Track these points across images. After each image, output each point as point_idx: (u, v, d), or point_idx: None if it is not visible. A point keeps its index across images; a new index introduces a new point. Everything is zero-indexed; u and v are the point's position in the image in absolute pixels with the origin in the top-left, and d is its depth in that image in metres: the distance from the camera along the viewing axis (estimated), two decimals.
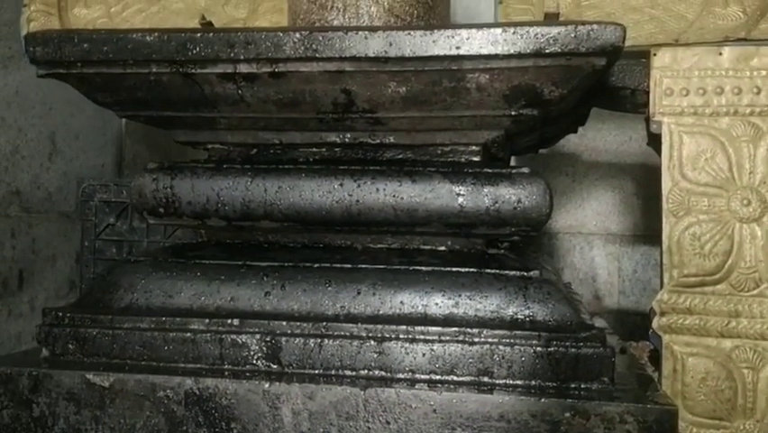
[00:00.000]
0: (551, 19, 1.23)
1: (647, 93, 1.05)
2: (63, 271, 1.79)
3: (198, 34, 0.90)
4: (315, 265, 0.94)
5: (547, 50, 0.84)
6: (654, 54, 1.04)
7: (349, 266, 0.94)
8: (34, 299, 1.71)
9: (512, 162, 1.46)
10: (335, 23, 1.07)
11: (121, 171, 2.06)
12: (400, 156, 1.02)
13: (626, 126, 1.86)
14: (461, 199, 0.93)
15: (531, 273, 0.91)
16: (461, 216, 0.93)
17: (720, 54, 1.02)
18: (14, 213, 1.65)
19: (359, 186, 0.95)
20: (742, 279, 1.00)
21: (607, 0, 1.33)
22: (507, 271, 0.91)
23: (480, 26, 0.86)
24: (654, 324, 1.02)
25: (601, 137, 1.90)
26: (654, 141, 1.06)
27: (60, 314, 0.92)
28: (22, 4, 1.51)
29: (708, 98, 1.02)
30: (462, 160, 1.00)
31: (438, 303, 0.89)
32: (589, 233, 1.94)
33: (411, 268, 0.93)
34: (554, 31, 0.84)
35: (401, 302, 0.90)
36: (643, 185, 1.87)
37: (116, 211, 1.72)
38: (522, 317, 0.87)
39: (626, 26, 1.29)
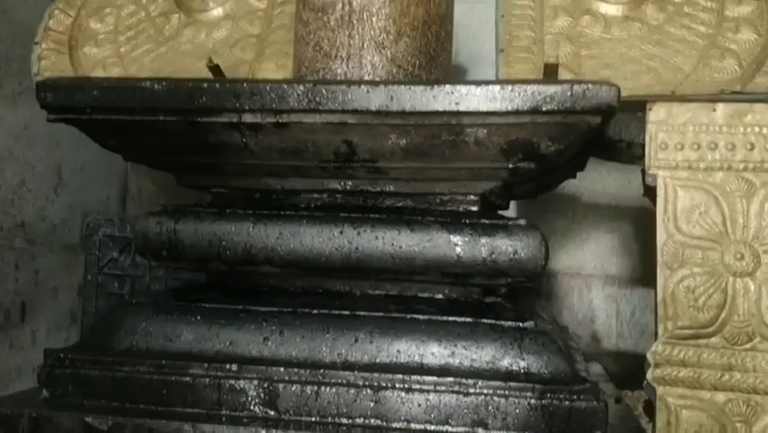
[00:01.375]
0: (550, 70, 1.25)
1: (643, 146, 1.07)
2: (65, 303, 1.81)
3: (205, 85, 0.93)
4: (314, 312, 0.96)
5: (544, 108, 0.86)
6: (650, 109, 1.06)
7: (347, 313, 0.95)
8: (36, 331, 1.72)
9: (512, 206, 1.49)
10: (339, 71, 1.10)
11: (125, 204, 2.09)
12: (400, 204, 1.04)
13: (625, 169, 1.87)
14: (458, 249, 0.94)
15: (526, 324, 0.92)
16: (459, 266, 0.95)
17: (714, 110, 1.04)
18: (19, 245, 1.67)
19: (358, 234, 0.96)
20: (735, 332, 1.01)
21: (605, 51, 1.36)
22: (502, 322, 0.93)
23: (478, 83, 0.88)
24: (649, 375, 1.02)
25: (601, 180, 1.92)
26: (650, 193, 1.08)
27: (62, 355, 0.94)
28: (33, 42, 1.55)
29: (703, 153, 1.04)
30: (461, 209, 1.02)
31: (434, 353, 0.90)
32: (587, 274, 1.95)
33: (408, 316, 0.94)
34: (551, 89, 0.86)
35: (398, 351, 0.91)
36: (641, 228, 1.88)
37: (120, 246, 1.73)
38: (517, 368, 0.89)
39: (624, 76, 1.34)
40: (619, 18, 1.37)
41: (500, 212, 1.24)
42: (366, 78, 1.09)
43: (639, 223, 1.86)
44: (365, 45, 1.10)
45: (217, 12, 1.51)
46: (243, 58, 1.46)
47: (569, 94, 0.85)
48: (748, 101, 1.29)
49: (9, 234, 1.63)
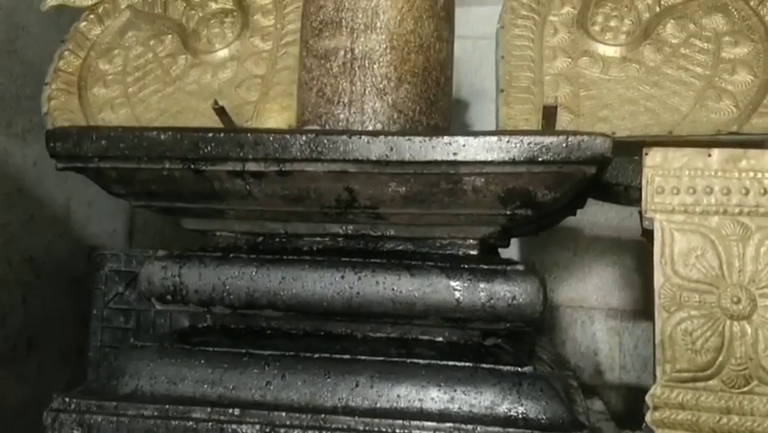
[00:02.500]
0: (549, 112, 1.28)
1: (640, 189, 1.09)
2: (71, 336, 1.82)
3: (210, 134, 0.95)
4: (316, 355, 0.97)
5: (540, 159, 0.88)
6: (646, 153, 1.08)
7: (348, 357, 0.97)
8: (42, 364, 1.74)
9: (514, 240, 1.50)
10: (341, 117, 1.13)
11: (132, 236, 2.11)
12: (400, 247, 1.06)
13: None
14: (457, 295, 0.96)
15: (525, 369, 0.93)
16: (458, 311, 0.96)
17: (709, 155, 1.06)
18: (27, 279, 1.70)
19: (359, 278, 0.98)
20: (733, 375, 1.02)
21: (604, 91, 1.38)
22: (501, 367, 0.94)
23: (476, 134, 0.90)
24: (648, 418, 1.03)
25: (602, 213, 1.94)
26: (647, 235, 1.09)
27: (67, 399, 0.95)
28: (43, 82, 1.58)
29: (699, 197, 1.05)
30: (460, 253, 1.04)
31: (434, 398, 0.92)
32: (590, 307, 1.96)
33: (409, 361, 0.96)
34: (547, 140, 0.88)
35: (398, 396, 0.92)
36: (642, 261, 1.89)
37: (125, 280, 1.75)
38: (515, 414, 0.90)
39: (623, 117, 1.36)
40: (617, 59, 1.40)
41: (501, 250, 1.26)
42: (368, 123, 1.12)
43: (640, 256, 1.87)
44: (367, 91, 1.12)
45: (223, 53, 1.55)
46: (248, 98, 1.49)
47: (564, 145, 0.87)
48: (745, 142, 1.32)
49: (17, 269, 1.66)
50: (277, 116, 1.45)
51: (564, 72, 1.40)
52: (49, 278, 1.76)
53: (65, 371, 1.79)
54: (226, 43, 1.55)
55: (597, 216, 1.94)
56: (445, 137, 0.90)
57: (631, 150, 1.35)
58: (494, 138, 0.89)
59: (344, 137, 0.92)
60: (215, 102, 1.37)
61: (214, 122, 1.43)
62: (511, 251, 1.79)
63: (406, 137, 0.91)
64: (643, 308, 1.91)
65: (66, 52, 1.57)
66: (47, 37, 1.69)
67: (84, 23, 1.60)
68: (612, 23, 1.42)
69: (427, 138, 0.90)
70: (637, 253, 1.91)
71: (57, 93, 1.55)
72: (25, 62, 1.70)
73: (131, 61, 1.58)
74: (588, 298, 1.96)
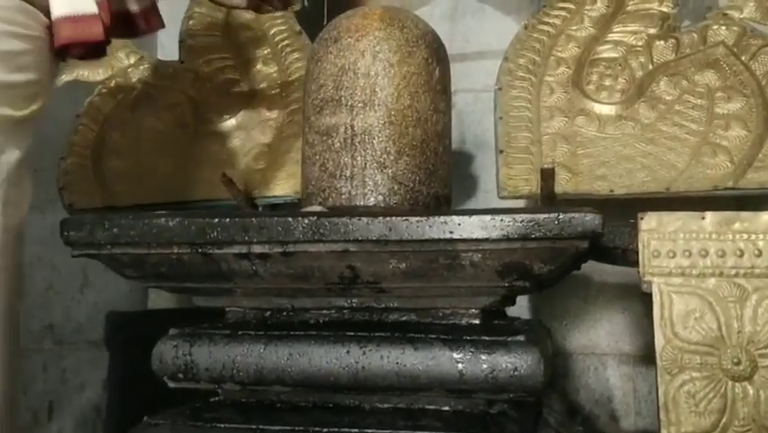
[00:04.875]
0: (547, 174, 1.32)
1: (637, 252, 1.11)
2: (91, 398, 1.86)
3: (216, 220, 0.99)
4: (324, 430, 0.99)
5: (533, 235, 0.91)
6: (641, 218, 1.10)
7: (356, 430, 0.99)
8: (63, 428, 1.77)
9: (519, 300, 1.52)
10: (344, 190, 1.17)
11: (147, 295, 2.16)
12: (404, 318, 1.09)
13: None
14: (460, 367, 0.98)
15: None
16: (462, 383, 0.98)
17: (703, 218, 1.08)
18: (47, 346, 1.74)
19: (364, 353, 1.01)
20: None
21: (601, 149, 1.42)
22: None
23: (471, 213, 0.94)
24: None
25: None
26: (647, 297, 1.12)
27: None
28: (60, 156, 1.65)
29: (695, 260, 1.08)
30: (463, 322, 1.06)
31: None
32: (602, 353, 1.97)
33: None
34: (539, 217, 0.92)
35: None
36: (651, 307, 1.90)
37: (139, 342, 1.78)
38: None
39: (620, 174, 1.39)
40: (613, 117, 1.44)
41: (508, 309, 1.29)
42: (369, 196, 1.16)
43: (648, 302, 1.87)
44: (367, 165, 1.16)
45: (231, 123, 1.61)
46: (256, 167, 1.54)
47: (556, 222, 0.90)
48: (741, 196, 1.34)
49: (38, 337, 1.70)
50: (284, 184, 1.50)
51: (561, 131, 1.44)
52: (68, 343, 1.80)
53: None
54: (234, 113, 1.61)
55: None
56: (441, 217, 0.94)
57: (633, 205, 1.38)
58: (488, 217, 0.92)
59: (345, 219, 0.96)
60: (224, 174, 1.42)
61: (223, 191, 1.48)
62: (521, 300, 1.81)
63: (404, 218, 0.94)
64: (654, 353, 1.91)
65: (80, 126, 1.64)
66: (63, 111, 1.76)
67: (97, 98, 1.67)
68: (607, 82, 1.46)
69: (424, 218, 0.94)
70: (645, 299, 1.91)
71: (72, 167, 1.61)
72: (44, 138, 1.76)
73: (143, 133, 1.63)
74: (600, 344, 1.96)
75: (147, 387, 1.68)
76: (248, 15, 1.62)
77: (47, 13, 1.02)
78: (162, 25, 1.25)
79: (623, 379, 1.95)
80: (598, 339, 1.96)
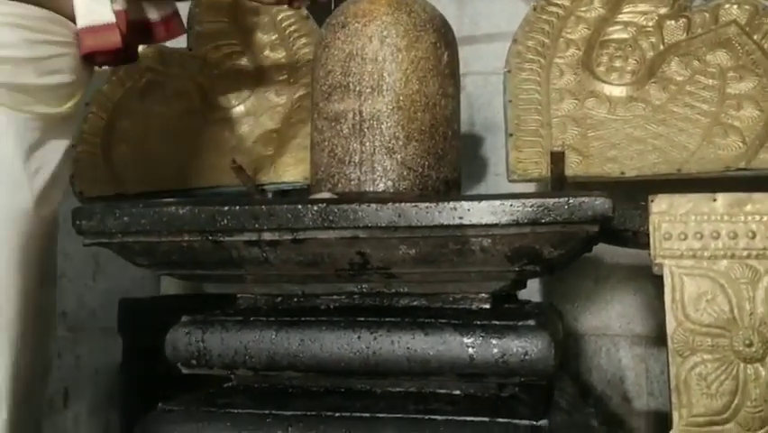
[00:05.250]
0: (557, 157, 1.31)
1: (648, 235, 1.11)
2: (104, 385, 1.88)
3: (226, 207, 0.99)
4: (336, 414, 1.00)
5: (543, 220, 0.91)
6: (652, 201, 1.09)
7: (368, 415, 1.00)
8: (78, 414, 1.80)
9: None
10: (353, 176, 1.17)
11: (159, 281, 2.17)
12: (415, 303, 1.09)
13: None
14: (471, 351, 0.99)
15: (541, 423, 0.95)
16: (472, 367, 0.99)
17: (715, 200, 1.07)
18: (61, 334, 1.76)
19: (375, 339, 1.01)
20: (749, 418, 1.03)
21: (611, 131, 1.41)
22: (517, 421, 0.96)
23: (480, 198, 0.93)
24: None
25: None
26: (658, 279, 1.11)
27: None
28: None
29: (706, 242, 1.07)
30: (473, 307, 1.07)
31: None
32: (614, 334, 1.96)
33: (427, 417, 0.98)
34: (549, 202, 0.91)
35: None
36: (662, 287, 1.89)
37: (152, 327, 1.80)
38: None
39: (631, 156, 1.38)
40: (624, 99, 1.42)
41: (519, 292, 1.29)
42: (378, 181, 1.16)
43: (660, 283, 1.87)
44: (376, 151, 1.16)
45: (239, 109, 1.61)
46: (264, 153, 1.54)
47: (566, 207, 0.90)
48: (754, 177, 1.33)
49: None
50: (293, 169, 1.50)
51: (572, 114, 1.43)
52: (82, 330, 1.82)
53: (101, 420, 1.85)
54: (242, 99, 1.61)
55: None
56: (450, 202, 0.93)
57: (645, 187, 1.37)
58: (497, 202, 0.92)
59: (354, 205, 0.96)
60: (234, 161, 1.42)
61: (232, 177, 1.48)
62: (532, 282, 1.80)
63: (413, 204, 0.94)
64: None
65: (90, 115, 1.64)
66: None
67: (106, 86, 1.67)
68: (617, 64, 1.44)
69: (433, 204, 0.94)
70: (656, 280, 1.91)
71: (82, 155, 1.62)
72: None
73: (152, 120, 1.64)
74: (611, 325, 1.96)
75: (160, 373, 1.71)
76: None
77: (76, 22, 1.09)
78: (184, 31, 1.29)
79: (635, 360, 1.95)
80: (609, 320, 1.96)
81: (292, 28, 1.61)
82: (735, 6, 1.38)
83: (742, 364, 1.04)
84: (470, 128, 1.99)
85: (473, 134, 2.04)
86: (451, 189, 1.21)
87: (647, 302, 1.93)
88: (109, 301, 1.91)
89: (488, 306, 1.06)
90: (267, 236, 0.99)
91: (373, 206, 0.95)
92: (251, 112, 1.59)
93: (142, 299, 1.84)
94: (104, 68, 1.65)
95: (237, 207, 0.99)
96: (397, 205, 0.95)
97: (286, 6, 1.37)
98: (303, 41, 1.60)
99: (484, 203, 0.92)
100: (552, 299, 1.87)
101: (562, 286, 1.97)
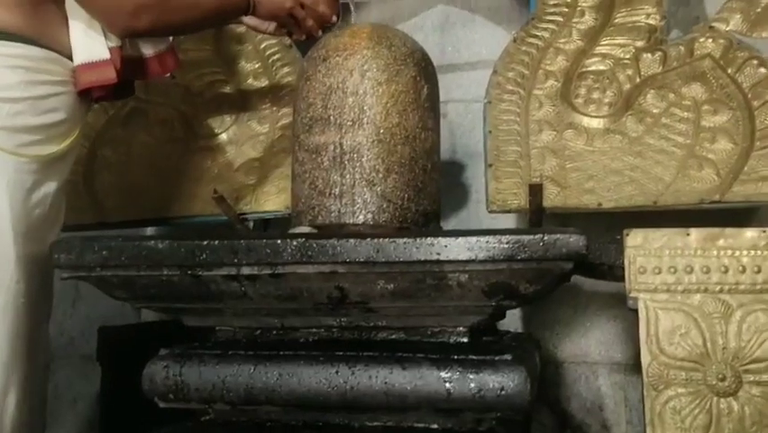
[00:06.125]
0: (535, 189, 1.33)
1: (623, 268, 1.12)
2: (84, 413, 1.86)
3: (205, 242, 1.00)
4: None
5: (518, 257, 0.93)
6: (627, 234, 1.11)
7: None
8: None
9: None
10: (333, 208, 1.18)
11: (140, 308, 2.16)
12: (393, 336, 1.10)
13: None
14: (448, 385, 0.99)
15: None
16: (449, 402, 0.99)
17: (688, 234, 1.09)
18: None
19: (353, 373, 1.02)
20: None
21: (589, 163, 1.42)
22: None
23: (457, 234, 0.95)
24: None
25: None
26: (634, 314, 1.13)
27: None
28: None
29: (680, 276, 1.09)
30: (451, 341, 1.07)
31: None
32: (593, 362, 1.98)
33: None
34: (524, 239, 0.93)
35: None
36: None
37: (132, 353, 1.79)
38: None
39: (608, 188, 1.40)
40: (601, 131, 1.44)
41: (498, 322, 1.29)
42: (359, 213, 1.17)
43: (636, 314, 1.88)
44: (356, 183, 1.17)
45: (222, 137, 1.61)
46: (246, 182, 1.54)
47: (540, 244, 0.92)
48: (727, 210, 1.35)
49: None
50: (275, 198, 1.51)
51: (550, 145, 1.45)
52: (61, 357, 1.80)
53: None
54: (225, 127, 1.62)
55: None
56: (428, 238, 0.95)
57: (623, 217, 1.38)
58: (474, 238, 0.93)
59: (333, 240, 0.97)
60: (215, 191, 1.42)
61: (214, 207, 1.49)
62: (512, 310, 1.81)
63: (391, 239, 0.95)
64: None
65: None
66: None
67: (89, 113, 1.66)
68: (595, 95, 1.47)
69: (411, 240, 0.95)
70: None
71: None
72: None
73: (134, 148, 1.64)
74: (590, 353, 1.97)
75: (139, 401, 1.69)
76: (239, 29, 1.63)
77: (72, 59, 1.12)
78: (178, 65, 1.31)
79: (614, 388, 1.96)
80: (588, 348, 1.97)
81: (275, 57, 1.62)
82: (709, 40, 1.41)
83: (715, 398, 1.06)
84: (451, 155, 2.01)
85: (455, 161, 2.06)
86: (430, 222, 1.23)
87: (626, 330, 1.95)
88: (88, 328, 1.90)
89: (465, 339, 1.07)
90: (246, 271, 1.00)
91: (352, 241, 0.96)
92: (233, 140, 1.59)
93: (122, 327, 1.83)
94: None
95: (216, 242, 1.00)
96: (375, 240, 0.96)
97: (285, 34, 1.39)
98: (286, 69, 1.61)
99: (461, 239, 0.94)
100: (531, 326, 1.88)
101: (541, 313, 1.98)
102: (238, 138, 1.60)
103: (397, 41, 1.25)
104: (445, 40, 1.98)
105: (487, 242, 0.93)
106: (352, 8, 1.59)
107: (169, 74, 1.34)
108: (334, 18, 1.38)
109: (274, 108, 1.60)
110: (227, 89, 1.64)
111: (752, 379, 1.05)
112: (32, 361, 1.08)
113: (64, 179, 1.17)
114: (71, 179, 1.58)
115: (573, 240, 0.91)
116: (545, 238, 0.91)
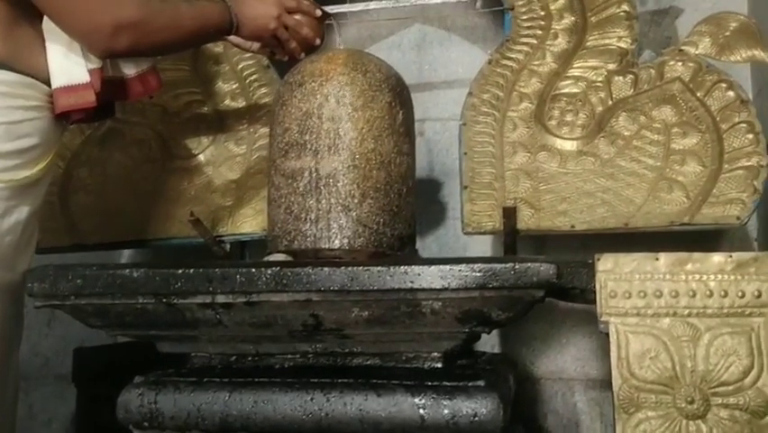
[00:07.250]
0: (508, 213, 1.34)
1: (595, 292, 1.14)
2: None
3: (180, 270, 1.00)
4: None
5: (490, 285, 0.94)
6: (598, 259, 1.12)
7: None
8: None
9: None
10: (309, 233, 1.19)
11: None
12: (368, 362, 1.11)
13: None
14: (422, 412, 1.00)
15: None
16: (423, 429, 1.00)
17: (657, 259, 1.11)
18: None
19: (327, 400, 1.02)
20: None
21: (562, 185, 1.44)
22: None
23: (430, 262, 0.96)
24: None
25: None
26: (605, 338, 1.14)
27: None
28: None
29: (649, 300, 1.10)
30: (425, 366, 1.08)
31: None
32: (569, 378, 1.99)
33: None
34: (496, 267, 0.94)
35: None
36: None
37: (107, 374, 1.78)
38: None
39: (581, 210, 1.42)
40: (574, 153, 1.46)
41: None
42: (334, 238, 1.18)
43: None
44: (332, 208, 1.18)
45: (199, 158, 1.61)
46: (223, 203, 1.54)
47: (512, 272, 0.93)
48: (697, 232, 1.37)
49: None
50: (251, 220, 1.51)
51: (524, 167, 1.47)
52: (35, 378, 1.79)
53: None
54: (202, 149, 1.62)
55: None
56: (402, 267, 0.96)
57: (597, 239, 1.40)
58: (447, 267, 0.94)
59: (308, 269, 0.98)
60: (191, 214, 1.42)
61: (191, 229, 1.49)
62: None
63: (365, 268, 0.96)
64: None
65: None
66: None
67: (65, 133, 1.65)
68: (568, 118, 1.49)
69: (385, 268, 0.96)
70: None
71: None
72: None
73: (110, 169, 1.63)
74: (567, 369, 1.99)
75: (115, 422, 1.68)
76: (217, 49, 1.63)
77: (49, 83, 1.11)
78: (161, 86, 1.29)
79: (590, 404, 1.98)
80: (565, 364, 1.99)
81: (253, 77, 1.63)
82: (679, 63, 1.44)
83: (684, 421, 1.07)
84: (429, 173, 2.02)
85: (432, 179, 2.08)
86: (405, 245, 1.24)
87: (601, 346, 1.96)
88: (64, 349, 1.88)
89: (440, 364, 1.08)
90: (221, 299, 1.00)
91: (326, 270, 0.97)
92: (210, 161, 1.59)
93: (98, 348, 1.81)
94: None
95: (191, 271, 1.00)
96: (349, 269, 0.97)
97: (268, 54, 1.40)
98: (263, 90, 1.61)
99: (434, 268, 0.95)
100: (507, 342, 1.90)
101: (517, 330, 2.00)
102: (215, 159, 1.59)
103: (373, 67, 1.26)
104: (422, 58, 2.00)
105: (459, 270, 0.94)
106: (337, 30, 1.60)
107: (150, 96, 1.33)
108: (318, 41, 1.39)
109: (251, 129, 1.60)
110: (204, 110, 1.63)
111: (720, 402, 1.07)
112: (1, 391, 1.07)
113: (38, 204, 1.16)
114: (47, 200, 1.59)
115: (544, 269, 0.93)
116: (517, 267, 0.93)
